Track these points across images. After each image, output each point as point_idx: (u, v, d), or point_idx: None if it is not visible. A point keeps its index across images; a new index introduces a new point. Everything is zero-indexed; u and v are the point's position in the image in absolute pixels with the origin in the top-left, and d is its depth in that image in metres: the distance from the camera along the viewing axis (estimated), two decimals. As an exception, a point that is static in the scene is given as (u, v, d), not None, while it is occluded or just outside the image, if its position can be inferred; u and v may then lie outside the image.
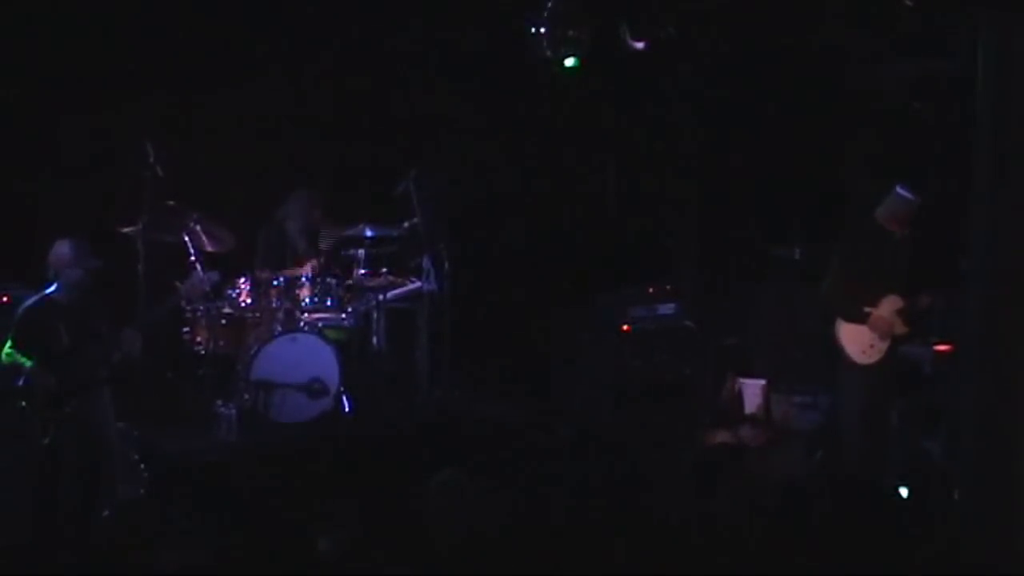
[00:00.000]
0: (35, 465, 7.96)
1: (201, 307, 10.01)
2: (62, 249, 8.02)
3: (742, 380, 11.19)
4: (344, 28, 11.17)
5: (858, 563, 5.81)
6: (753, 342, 11.48)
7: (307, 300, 10.31)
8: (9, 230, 10.00)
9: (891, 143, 11.39)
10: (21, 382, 7.89)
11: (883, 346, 9.08)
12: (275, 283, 10.22)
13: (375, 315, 10.67)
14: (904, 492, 7.96)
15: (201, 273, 9.11)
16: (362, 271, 10.61)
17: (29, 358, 7.91)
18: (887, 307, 9.08)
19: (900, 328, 9.10)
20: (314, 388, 10.04)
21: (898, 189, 9.03)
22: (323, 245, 10.60)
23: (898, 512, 6.19)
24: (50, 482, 7.97)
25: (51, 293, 8.05)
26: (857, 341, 9.11)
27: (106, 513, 8.01)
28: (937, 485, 8.19)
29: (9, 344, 7.95)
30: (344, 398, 10.27)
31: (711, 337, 11.57)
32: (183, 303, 9.59)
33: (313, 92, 11.28)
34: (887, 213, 9.06)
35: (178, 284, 8.90)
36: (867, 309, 9.04)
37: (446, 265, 10.55)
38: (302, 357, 10.02)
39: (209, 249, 9.88)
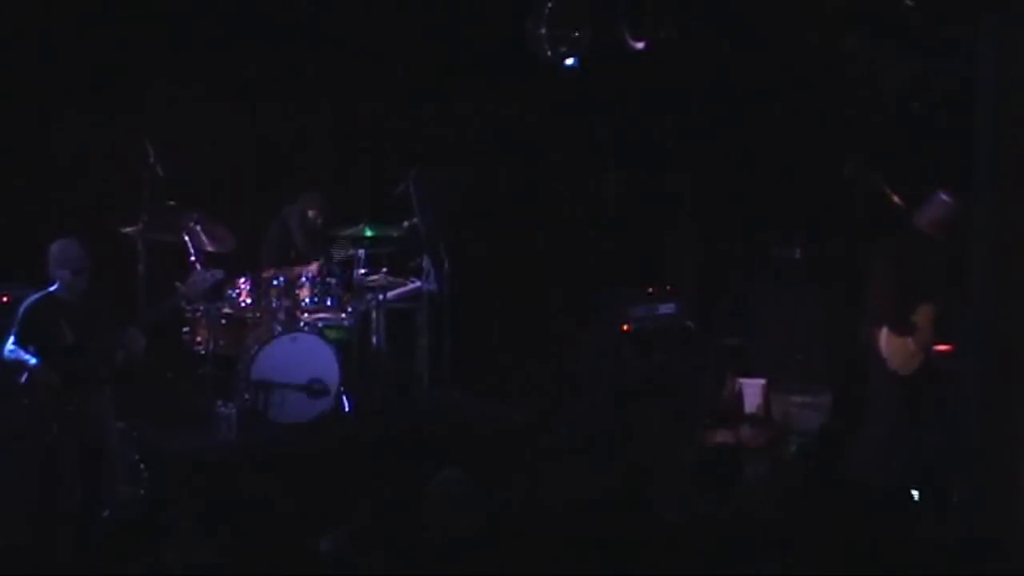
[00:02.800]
0: (36, 463, 7.97)
1: (201, 307, 10.01)
2: (52, 250, 8.05)
3: (742, 380, 11.20)
4: (344, 28, 11.17)
5: (859, 563, 5.82)
6: (753, 342, 11.48)
7: (307, 300, 10.31)
8: (9, 230, 9.99)
9: (891, 143, 11.40)
10: (24, 379, 7.89)
11: (922, 356, 9.00)
12: (275, 283, 10.22)
13: (375, 315, 10.67)
14: (915, 494, 7.93)
15: (204, 271, 9.10)
16: (362, 271, 10.61)
17: (32, 355, 7.91)
18: (924, 316, 8.98)
19: (935, 337, 9.00)
20: (314, 388, 10.04)
21: (940, 195, 8.88)
22: (324, 251, 10.61)
23: (906, 514, 6.20)
24: (51, 480, 7.98)
25: (53, 291, 8.06)
26: (901, 353, 8.98)
27: (106, 513, 8.03)
28: (937, 484, 8.18)
29: (11, 341, 7.95)
30: (344, 398, 10.27)
31: (711, 337, 11.57)
32: (184, 302, 9.59)
33: (313, 92, 11.28)
34: (931, 219, 8.93)
35: (179, 285, 8.89)
36: (913, 320, 8.94)
37: (446, 265, 10.55)
38: (302, 357, 10.02)
39: (209, 249, 9.88)
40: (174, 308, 9.17)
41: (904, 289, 8.94)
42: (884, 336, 8.98)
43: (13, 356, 7.91)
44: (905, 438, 8.45)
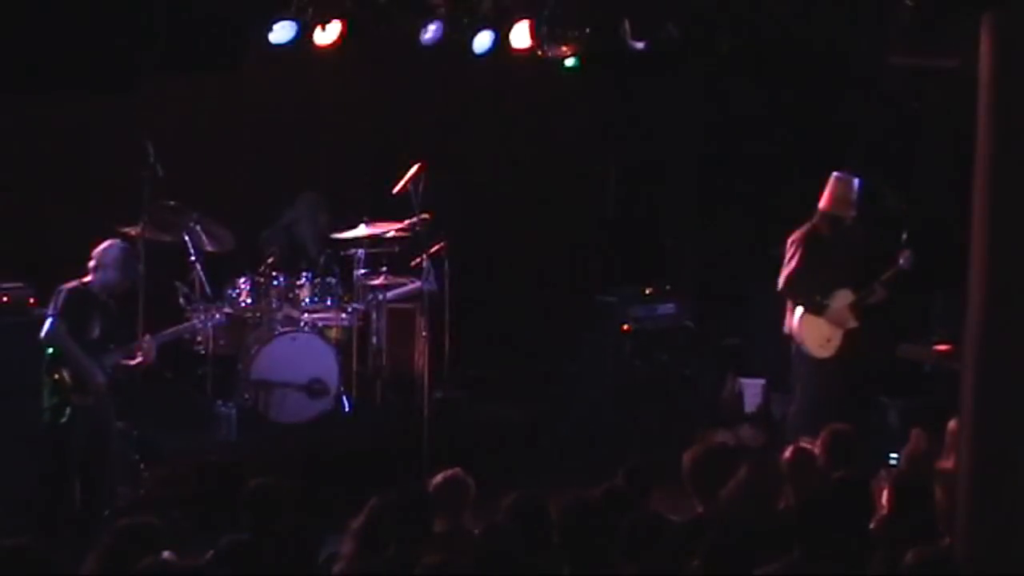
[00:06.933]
0: (44, 451, 8.03)
1: (201, 307, 10.01)
2: (112, 251, 8.13)
3: (742, 380, 11.20)
4: (345, 26, 11.15)
5: (858, 563, 5.82)
6: (753, 342, 11.48)
7: (307, 300, 10.31)
8: (9, 230, 9.97)
9: (890, 141, 11.40)
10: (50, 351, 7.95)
11: (837, 341, 9.14)
12: (275, 283, 10.22)
13: (375, 315, 10.67)
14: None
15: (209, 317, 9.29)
16: (362, 271, 10.61)
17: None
18: (839, 300, 9.17)
19: (852, 322, 9.17)
20: (314, 388, 10.04)
21: (835, 174, 9.21)
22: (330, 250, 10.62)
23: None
24: (56, 474, 8.02)
25: (88, 283, 8.11)
26: (814, 335, 9.18)
27: (106, 513, 8.03)
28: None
29: (50, 323, 7.97)
30: (344, 398, 10.27)
31: (711, 337, 11.57)
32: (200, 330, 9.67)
33: (313, 91, 11.26)
34: (832, 200, 9.16)
35: (193, 322, 9.00)
36: (824, 302, 9.12)
37: (446, 265, 10.55)
38: (302, 357, 10.02)
39: (209, 249, 9.87)
40: (182, 337, 9.36)
41: (811, 270, 9.10)
42: (796, 318, 9.12)
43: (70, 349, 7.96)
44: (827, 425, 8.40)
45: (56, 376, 8.00)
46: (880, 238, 9.52)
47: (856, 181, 9.21)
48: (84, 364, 8.01)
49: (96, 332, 8.10)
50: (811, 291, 9.22)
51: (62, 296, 8.04)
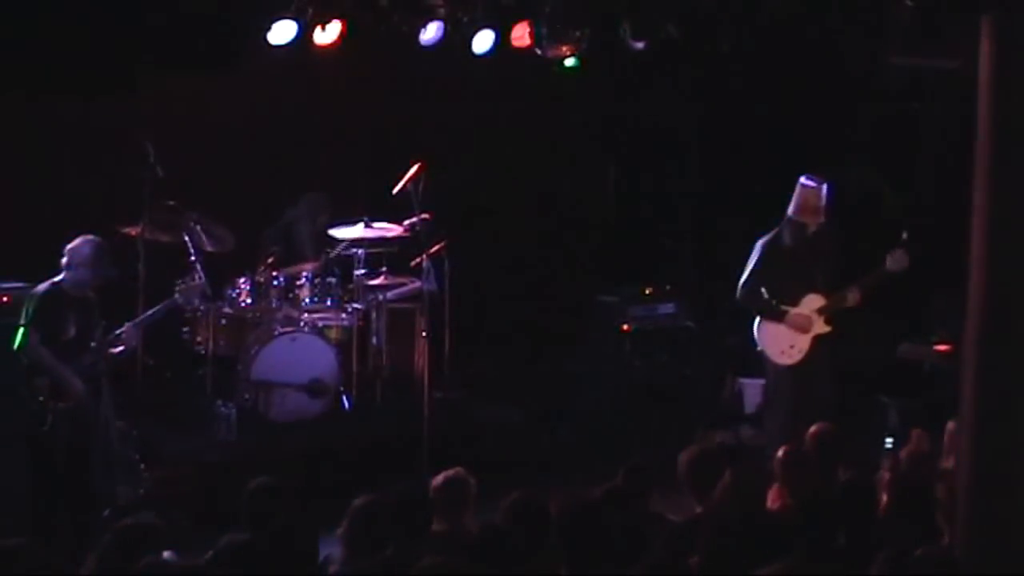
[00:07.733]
0: (33, 456, 8.00)
1: (201, 307, 10.01)
2: (84, 248, 8.06)
3: (742, 380, 11.19)
4: (345, 26, 11.15)
5: (858, 563, 5.82)
6: (753, 342, 11.48)
7: (307, 300, 10.31)
8: (9, 230, 9.97)
9: (890, 141, 11.41)
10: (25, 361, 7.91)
11: (804, 346, 9.02)
12: (275, 283, 10.22)
13: (375, 315, 10.67)
14: None
15: (198, 284, 9.13)
16: (362, 271, 10.61)
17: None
18: (807, 305, 9.07)
19: (820, 327, 9.05)
20: (314, 388, 10.04)
21: (802, 180, 9.06)
22: (328, 250, 10.60)
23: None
24: (46, 476, 8.00)
25: (60, 283, 8.06)
26: (776, 341, 9.09)
27: (106, 513, 8.03)
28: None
29: (23, 333, 7.93)
30: (344, 398, 10.28)
31: (711, 337, 11.57)
32: (181, 304, 9.58)
33: (313, 91, 11.26)
34: (798, 207, 9.07)
35: (177, 294, 8.91)
36: (784, 307, 9.02)
37: (446, 265, 10.55)
38: (302, 357, 10.02)
39: (209, 249, 9.86)
40: (169, 312, 9.21)
41: (769, 277, 9.02)
42: (757, 324, 9.08)
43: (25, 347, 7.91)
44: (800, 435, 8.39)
45: (33, 383, 7.96)
46: (873, 239, 9.42)
47: (824, 187, 9.03)
48: (60, 372, 7.95)
49: (72, 331, 8.06)
50: (759, 296, 9.09)
51: (33, 303, 7.96)
